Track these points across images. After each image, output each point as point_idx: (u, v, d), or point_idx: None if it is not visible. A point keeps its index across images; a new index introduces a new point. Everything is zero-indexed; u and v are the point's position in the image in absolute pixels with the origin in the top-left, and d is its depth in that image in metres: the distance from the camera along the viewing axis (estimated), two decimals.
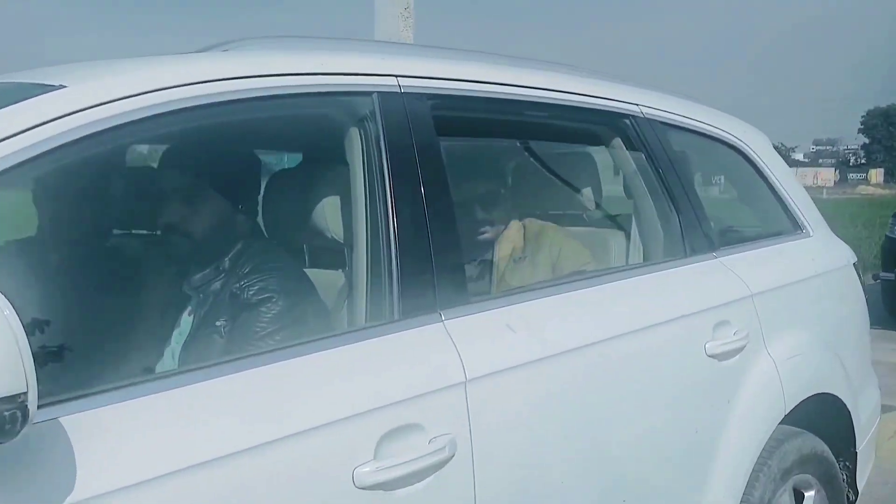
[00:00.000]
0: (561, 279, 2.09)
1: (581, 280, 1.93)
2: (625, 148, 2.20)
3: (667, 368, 1.91)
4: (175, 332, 1.65)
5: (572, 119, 2.12)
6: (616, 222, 2.49)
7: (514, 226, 2.43)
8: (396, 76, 1.65)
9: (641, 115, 2.22)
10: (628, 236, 2.34)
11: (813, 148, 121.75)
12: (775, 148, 2.90)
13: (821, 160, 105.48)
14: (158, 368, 1.64)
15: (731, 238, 2.55)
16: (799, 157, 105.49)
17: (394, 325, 1.48)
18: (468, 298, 1.61)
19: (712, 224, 2.43)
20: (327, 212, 1.76)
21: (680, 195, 2.21)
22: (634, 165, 2.21)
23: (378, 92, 1.60)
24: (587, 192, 2.43)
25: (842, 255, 2.79)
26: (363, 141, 1.58)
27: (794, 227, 2.69)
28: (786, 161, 2.97)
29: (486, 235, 2.41)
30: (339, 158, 1.67)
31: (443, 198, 1.63)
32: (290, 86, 1.49)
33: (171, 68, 1.38)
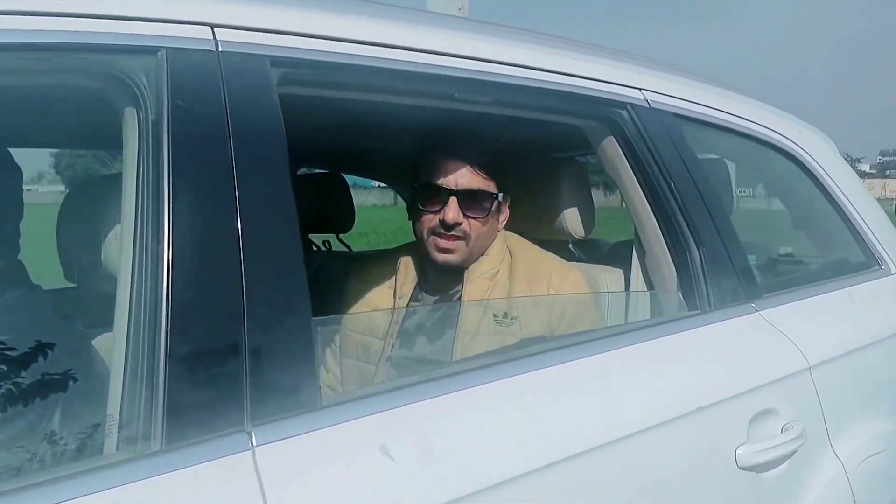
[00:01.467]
0: (498, 352, 1.39)
1: (530, 356, 1.22)
2: (621, 151, 1.50)
3: (670, 499, 1.21)
4: None
5: (536, 107, 1.44)
6: (613, 256, 1.80)
7: (496, 247, 1.61)
8: (212, 25, 1.00)
9: (646, 104, 1.53)
10: (628, 277, 1.63)
11: (880, 159, 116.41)
12: None
13: (888, 171, 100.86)
14: None
15: (779, 279, 1.82)
16: (865, 167, 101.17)
17: (155, 459, 0.82)
18: (316, 400, 0.93)
19: (751, 259, 1.72)
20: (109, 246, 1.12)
21: (702, 219, 1.51)
22: (634, 176, 1.51)
23: (169, 48, 0.95)
24: (571, 213, 1.73)
25: None
26: (140, 129, 0.93)
27: (869, 261, 1.95)
28: None
29: (448, 257, 1.54)
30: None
31: (274, 223, 0.96)
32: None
33: None
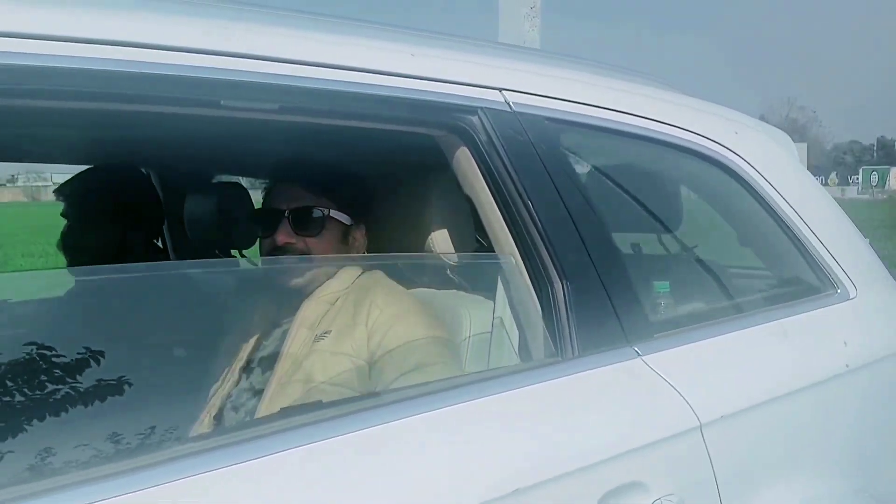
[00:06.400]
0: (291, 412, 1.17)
1: (333, 417, 0.98)
2: (475, 165, 1.26)
3: None
4: None
5: (360, 116, 1.19)
6: (484, 283, 1.54)
7: (346, 274, 1.48)
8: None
9: (506, 107, 1.28)
10: (493, 310, 1.39)
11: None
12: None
13: None
14: None
15: (689, 312, 1.54)
16: None
17: None
18: None
19: (663, 287, 1.47)
20: None
21: (570, 246, 1.25)
22: (491, 195, 1.26)
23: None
24: (439, 234, 1.48)
25: None
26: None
27: (821, 284, 1.65)
28: None
29: (294, 281, 1.46)
30: None
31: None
32: None
33: None
